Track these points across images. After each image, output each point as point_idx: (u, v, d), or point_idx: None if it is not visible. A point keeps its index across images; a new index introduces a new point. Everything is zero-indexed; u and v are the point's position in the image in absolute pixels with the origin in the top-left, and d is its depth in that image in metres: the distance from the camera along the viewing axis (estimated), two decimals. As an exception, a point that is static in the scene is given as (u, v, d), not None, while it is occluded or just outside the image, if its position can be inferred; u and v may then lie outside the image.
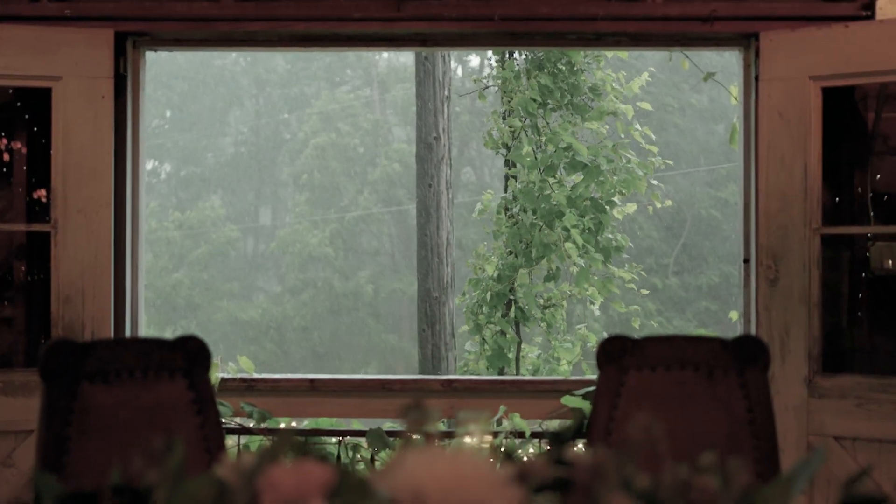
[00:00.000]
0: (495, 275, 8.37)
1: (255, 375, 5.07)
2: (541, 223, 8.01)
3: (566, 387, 5.07)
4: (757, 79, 4.69)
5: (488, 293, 8.34)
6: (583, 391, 5.03)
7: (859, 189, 4.80)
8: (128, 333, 4.81)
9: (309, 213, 32.12)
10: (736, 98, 4.97)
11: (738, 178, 4.91)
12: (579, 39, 4.92)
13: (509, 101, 8.31)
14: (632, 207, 8.58)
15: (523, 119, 8.19)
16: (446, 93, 11.14)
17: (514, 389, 5.11)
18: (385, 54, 34.38)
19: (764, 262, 4.65)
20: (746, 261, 4.82)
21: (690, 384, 3.27)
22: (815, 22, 4.66)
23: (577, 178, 8.15)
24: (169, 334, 27.45)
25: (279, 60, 33.22)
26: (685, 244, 30.21)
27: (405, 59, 31.39)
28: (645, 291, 9.41)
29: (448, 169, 11.21)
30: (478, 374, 8.27)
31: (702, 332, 5.00)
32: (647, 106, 8.50)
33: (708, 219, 29.93)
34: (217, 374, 4.91)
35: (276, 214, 34.44)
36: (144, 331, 4.85)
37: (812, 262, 4.59)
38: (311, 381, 5.08)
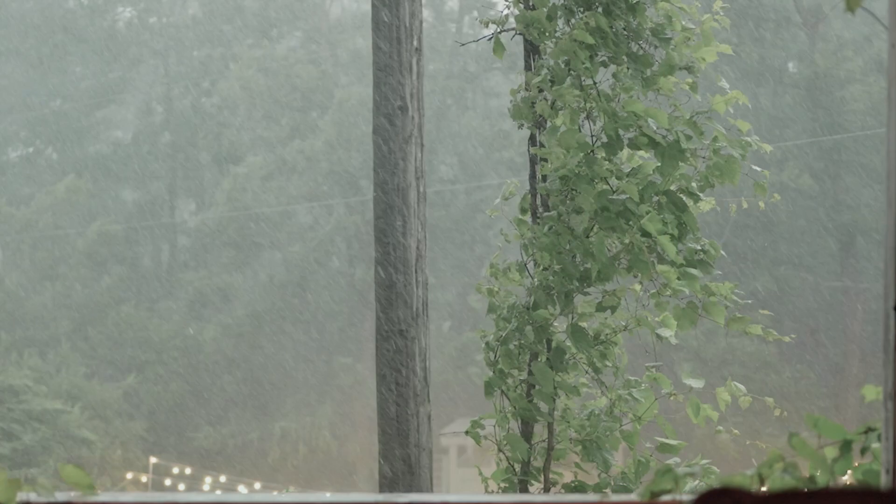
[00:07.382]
0: (528, 301, 7.82)
1: (98, 499, 3.95)
2: (591, 227, 7.38)
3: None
4: (921, 4, 3.71)
5: (518, 328, 7.82)
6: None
7: None
8: None
9: (241, 205, 31.33)
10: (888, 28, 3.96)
11: (881, 166, 3.88)
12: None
13: (533, 52, 7.67)
14: (708, 205, 8.01)
15: (564, 75, 7.51)
16: (415, 43, 10.23)
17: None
18: None
19: (931, 312, 3.69)
20: (897, 307, 3.86)
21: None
22: None
23: (636, 160, 7.58)
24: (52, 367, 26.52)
25: (192, 8, 32.46)
26: (727, 244, 29.66)
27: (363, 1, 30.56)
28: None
29: (418, 151, 10.30)
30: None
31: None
32: (726, 49, 7.82)
33: (757, 211, 29.45)
34: (16, 498, 3.81)
35: (199, 207, 33.64)
36: None
37: None
38: None
